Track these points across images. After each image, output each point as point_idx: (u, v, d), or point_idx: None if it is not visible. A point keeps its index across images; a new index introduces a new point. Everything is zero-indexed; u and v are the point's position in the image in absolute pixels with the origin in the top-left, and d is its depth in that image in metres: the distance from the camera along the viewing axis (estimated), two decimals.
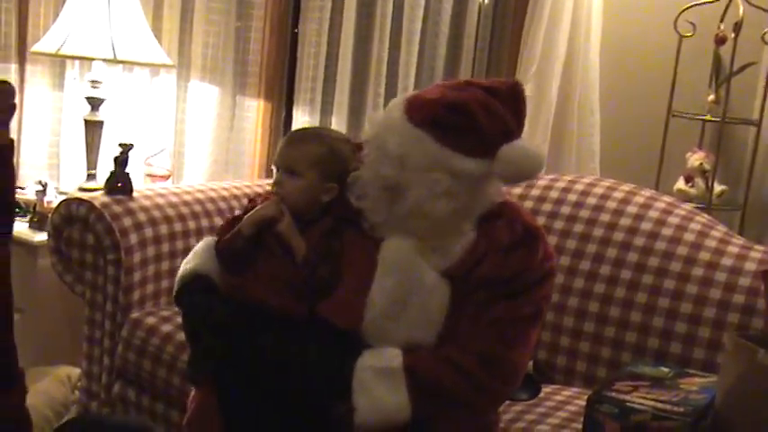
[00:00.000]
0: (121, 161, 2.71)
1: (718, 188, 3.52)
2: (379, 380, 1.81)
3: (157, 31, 3.51)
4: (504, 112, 1.83)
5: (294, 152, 2.00)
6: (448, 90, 1.88)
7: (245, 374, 1.87)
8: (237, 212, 2.18)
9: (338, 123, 3.61)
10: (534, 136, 3.55)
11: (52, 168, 3.57)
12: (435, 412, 1.84)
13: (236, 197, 2.94)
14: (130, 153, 2.75)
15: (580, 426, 1.96)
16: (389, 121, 1.88)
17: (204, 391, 1.95)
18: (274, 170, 2.04)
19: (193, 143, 3.67)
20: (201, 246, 2.07)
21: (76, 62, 3.44)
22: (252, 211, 2.00)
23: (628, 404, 1.90)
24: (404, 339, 1.85)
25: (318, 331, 1.89)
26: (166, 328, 2.49)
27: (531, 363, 2.29)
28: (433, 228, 1.85)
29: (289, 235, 1.96)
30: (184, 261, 2.05)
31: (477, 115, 1.81)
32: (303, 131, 2.14)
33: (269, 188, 2.11)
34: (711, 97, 3.53)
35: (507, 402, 2.23)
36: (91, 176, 3.31)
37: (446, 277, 1.85)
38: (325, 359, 1.86)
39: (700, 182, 3.54)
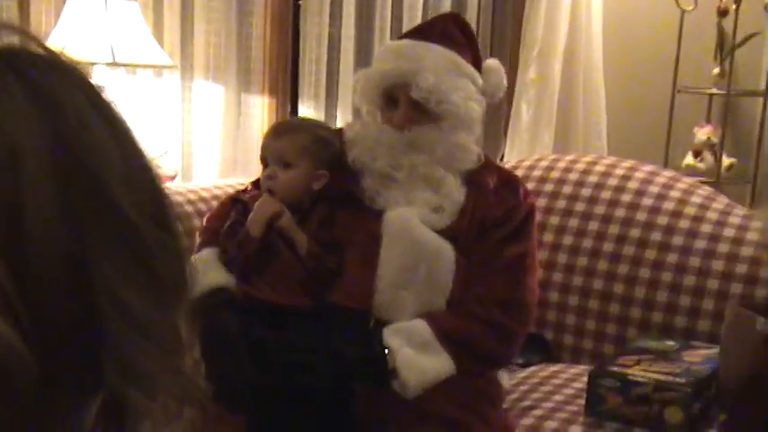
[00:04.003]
0: None
1: (726, 161, 3.50)
2: (420, 355, 1.84)
3: (158, 32, 3.53)
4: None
5: (283, 143, 2.00)
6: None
7: (274, 380, 1.84)
8: (231, 220, 2.05)
9: (344, 115, 3.62)
10: (540, 118, 3.55)
11: None
12: (473, 366, 1.90)
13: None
14: None
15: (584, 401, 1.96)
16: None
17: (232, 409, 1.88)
18: (262, 165, 2.03)
19: (201, 143, 3.69)
20: (205, 258, 1.99)
21: None
22: (253, 213, 1.95)
23: (629, 377, 1.91)
24: (416, 308, 1.90)
25: (333, 319, 1.90)
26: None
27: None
28: (444, 161, 1.95)
29: (290, 229, 1.96)
30: None
31: (471, 29, 2.10)
32: (285, 123, 2.17)
33: (248, 185, 2.12)
34: (716, 71, 3.52)
35: (517, 370, 2.25)
36: None
37: (448, 237, 1.93)
38: (352, 345, 1.86)
39: (708, 156, 3.53)
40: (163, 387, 0.56)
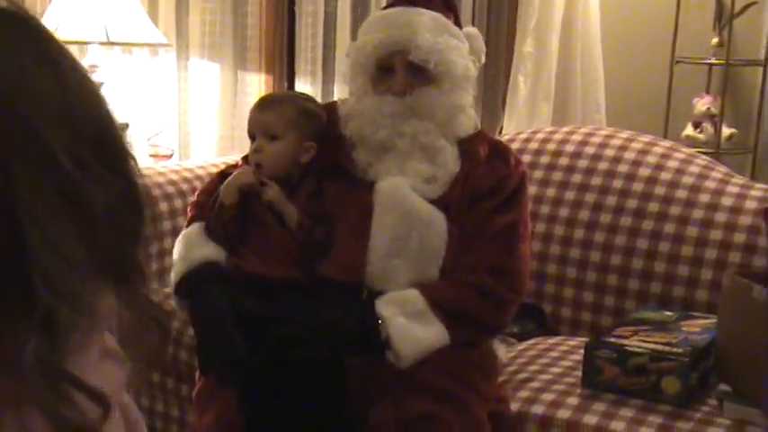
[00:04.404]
0: None
1: (727, 132, 3.47)
2: (413, 324, 1.83)
3: (153, 10, 3.51)
4: None
5: (270, 116, 1.99)
6: None
7: (265, 353, 1.82)
8: (216, 194, 2.04)
9: (340, 92, 3.59)
10: (537, 91, 3.52)
11: None
12: (467, 335, 1.89)
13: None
14: (127, 133, 2.75)
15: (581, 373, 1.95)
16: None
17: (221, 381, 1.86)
18: (250, 139, 2.02)
19: (198, 121, 3.68)
20: (193, 232, 1.99)
21: (73, 48, 3.45)
22: (226, 181, 1.96)
23: (626, 348, 1.90)
24: (409, 278, 1.90)
25: (324, 293, 1.89)
26: (171, 305, 2.49)
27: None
28: (444, 126, 1.96)
29: (279, 202, 1.95)
30: (178, 251, 1.98)
31: None
32: (271, 96, 2.15)
33: (239, 161, 2.11)
34: (715, 40, 3.49)
35: (514, 342, 2.24)
36: None
37: (440, 207, 1.93)
38: (344, 316, 1.85)
39: (708, 127, 3.50)
40: (86, 299, 0.61)
